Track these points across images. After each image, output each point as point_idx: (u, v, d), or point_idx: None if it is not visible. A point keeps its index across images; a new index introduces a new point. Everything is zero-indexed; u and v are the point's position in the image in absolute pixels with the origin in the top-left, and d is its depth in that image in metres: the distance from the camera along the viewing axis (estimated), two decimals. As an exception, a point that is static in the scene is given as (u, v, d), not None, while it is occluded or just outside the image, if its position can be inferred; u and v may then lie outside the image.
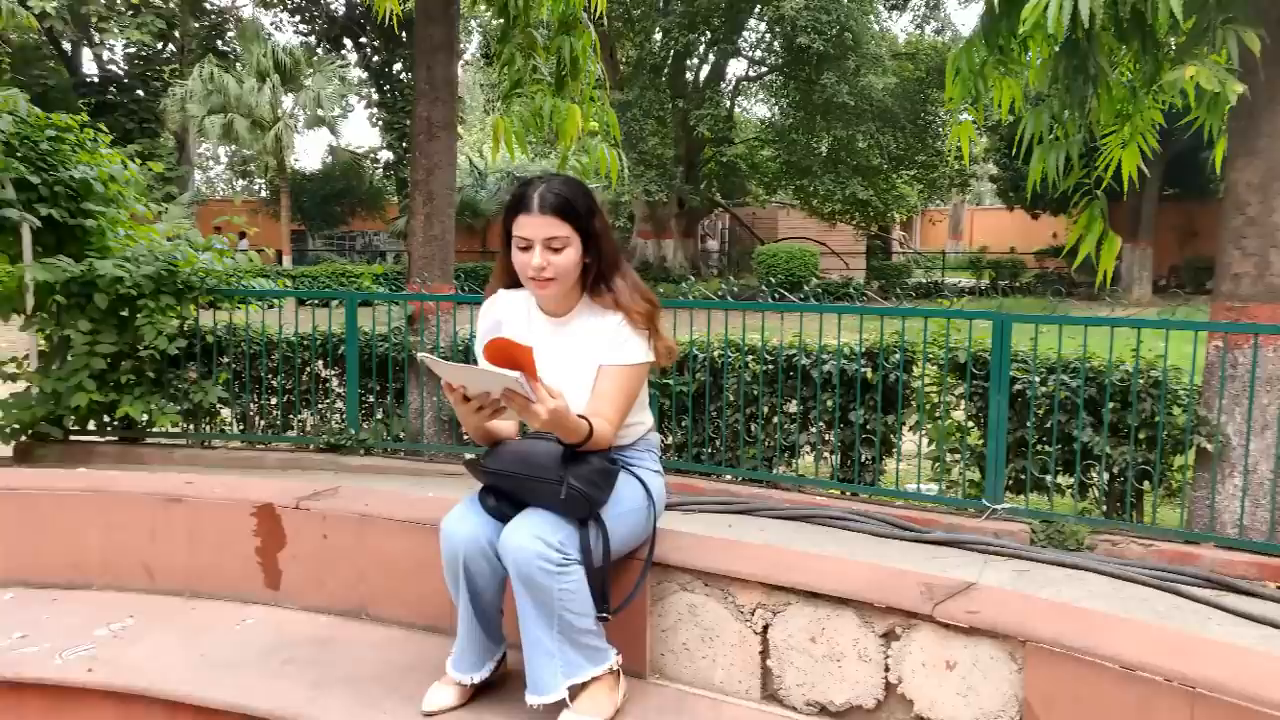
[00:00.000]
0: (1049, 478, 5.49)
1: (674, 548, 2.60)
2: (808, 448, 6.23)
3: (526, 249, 2.41)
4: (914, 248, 32.09)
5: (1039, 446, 5.50)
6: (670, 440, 6.41)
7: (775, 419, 6.14)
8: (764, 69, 24.35)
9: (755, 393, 6.16)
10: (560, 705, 2.34)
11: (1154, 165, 23.09)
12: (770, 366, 6.10)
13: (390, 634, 2.90)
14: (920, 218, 33.45)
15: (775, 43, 22.46)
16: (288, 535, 3.08)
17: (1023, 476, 5.48)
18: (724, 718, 2.44)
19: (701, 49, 23.69)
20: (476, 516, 2.40)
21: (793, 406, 6.13)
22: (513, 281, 2.59)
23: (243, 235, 14.84)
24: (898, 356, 5.75)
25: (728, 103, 25.24)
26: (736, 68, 25.42)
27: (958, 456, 5.73)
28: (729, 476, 6.27)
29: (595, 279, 2.48)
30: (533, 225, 2.39)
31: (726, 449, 6.27)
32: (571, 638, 2.34)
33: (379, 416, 7.13)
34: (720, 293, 7.93)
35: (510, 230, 2.46)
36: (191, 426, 7.07)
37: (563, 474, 2.31)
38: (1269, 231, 5.01)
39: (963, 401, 5.73)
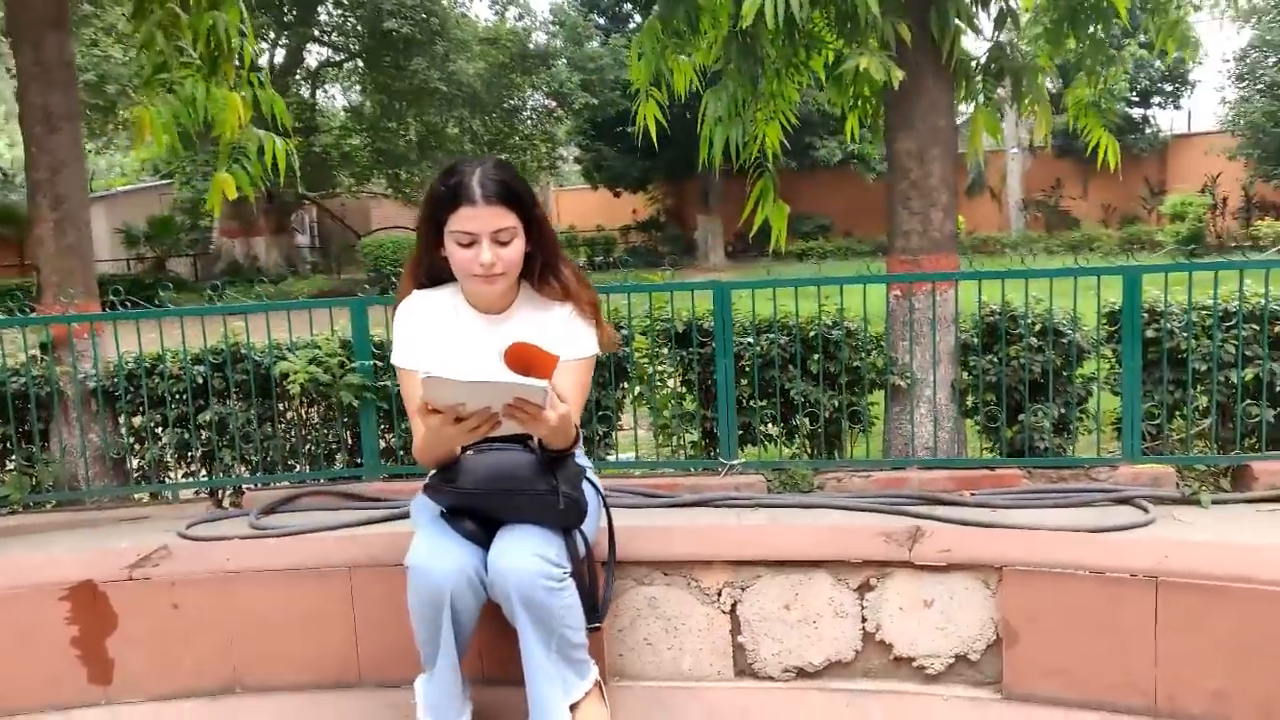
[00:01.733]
0: (772, 429, 5.95)
1: (628, 542, 2.50)
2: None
3: (470, 244, 2.18)
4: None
5: (763, 402, 5.93)
6: (395, 444, 6.07)
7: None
8: (345, 55, 23.43)
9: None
10: None
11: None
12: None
13: (284, 704, 2.50)
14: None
15: (358, 26, 21.66)
16: (118, 614, 2.52)
17: (752, 431, 5.89)
18: (705, 702, 2.42)
19: (271, 34, 22.25)
20: (455, 545, 2.14)
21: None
22: (430, 280, 2.33)
23: None
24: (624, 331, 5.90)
25: (307, 90, 23.99)
26: (317, 53, 24.21)
27: (688, 423, 6.01)
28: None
29: (542, 269, 2.29)
30: (478, 218, 2.15)
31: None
32: (566, 655, 2.19)
33: (14, 465, 5.97)
34: (366, 288, 7.56)
35: (441, 224, 2.20)
36: None
37: (554, 483, 2.13)
38: (927, 193, 5.79)
39: (684, 369, 6.00)
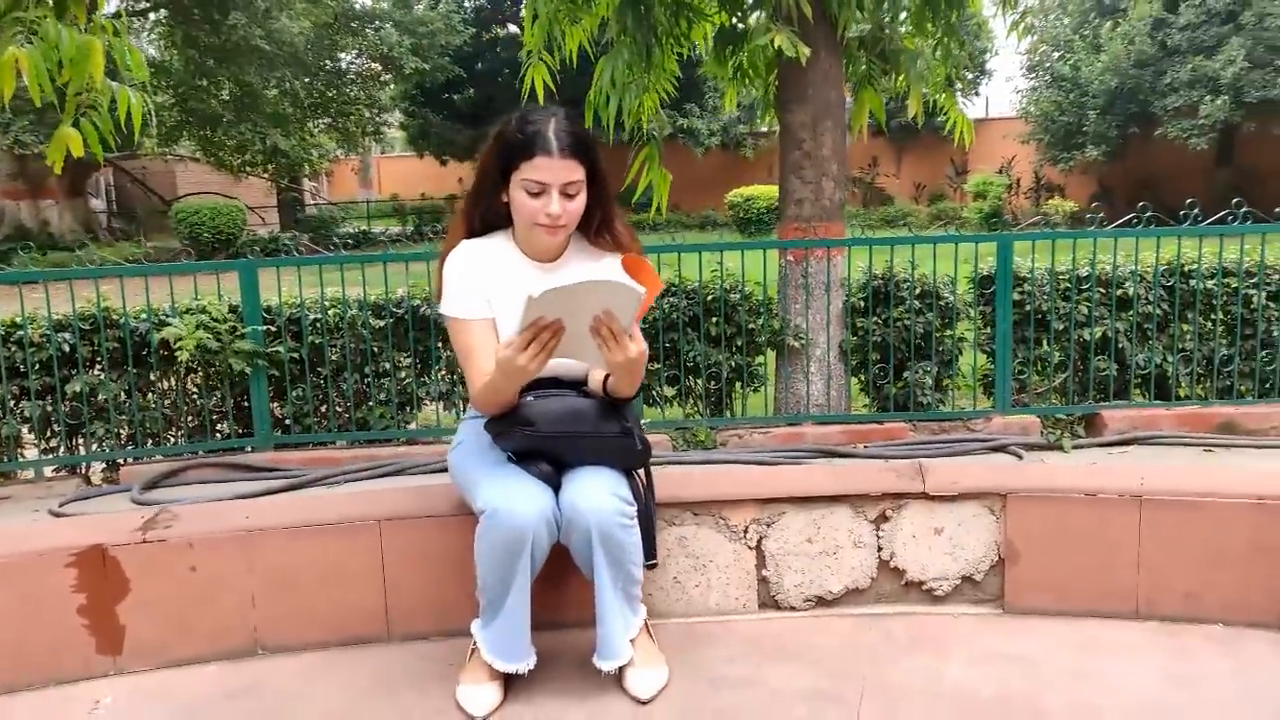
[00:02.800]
0: (668, 390, 6.12)
1: (660, 485, 2.59)
2: (429, 399, 6.15)
3: (540, 194, 2.20)
4: (326, 198, 31.47)
5: (667, 363, 6.09)
6: (285, 412, 5.86)
7: (401, 373, 5.94)
8: (149, 3, 21.77)
9: (375, 349, 5.88)
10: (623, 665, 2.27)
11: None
12: (389, 319, 5.86)
13: (311, 662, 2.46)
14: (332, 167, 32.89)
15: (165, -27, 20.23)
16: (130, 580, 2.40)
17: (655, 392, 6.04)
18: (736, 633, 2.55)
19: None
20: (534, 487, 2.17)
21: (407, 360, 5.98)
22: (483, 228, 2.34)
23: None
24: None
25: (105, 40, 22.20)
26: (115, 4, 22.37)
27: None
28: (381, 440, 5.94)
29: (600, 223, 2.34)
30: (552, 169, 2.18)
31: (350, 412, 5.92)
32: (629, 592, 2.28)
33: None
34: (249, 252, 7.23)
35: (509, 171, 2.22)
36: None
37: (627, 424, 2.21)
38: (820, 163, 6.09)
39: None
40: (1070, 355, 5.83)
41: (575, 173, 2.20)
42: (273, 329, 5.65)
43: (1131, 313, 5.83)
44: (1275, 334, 5.92)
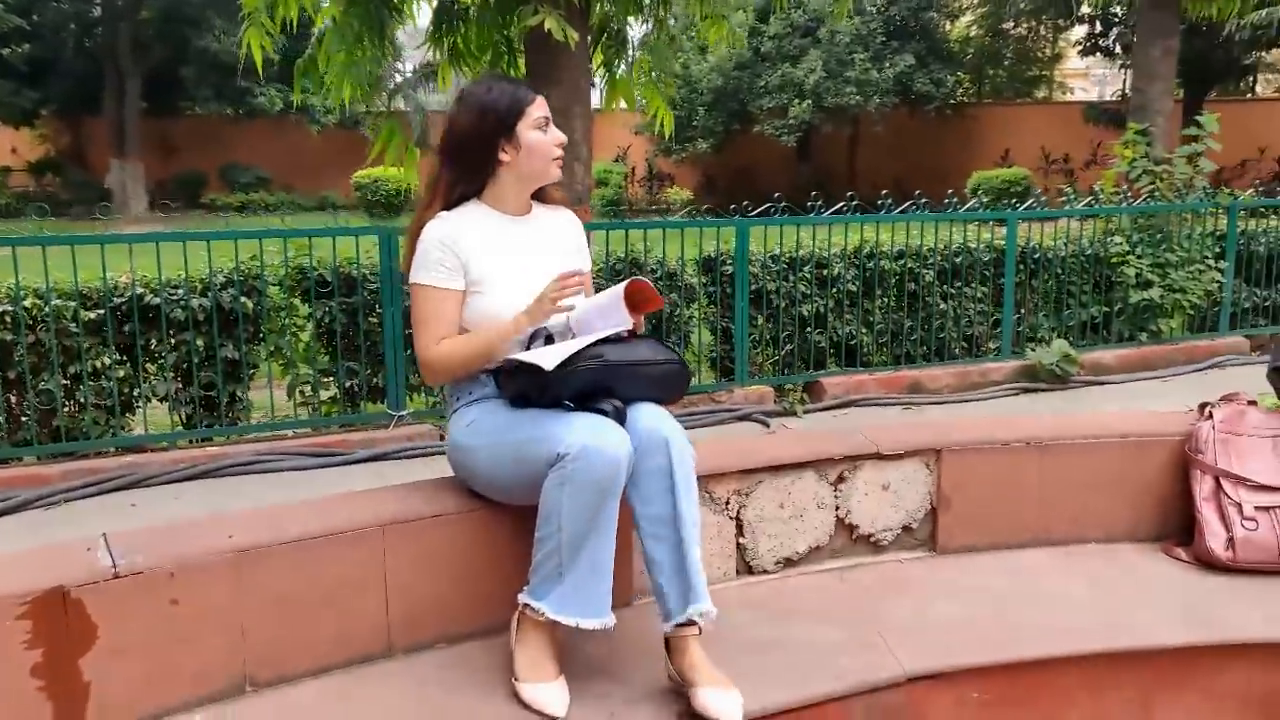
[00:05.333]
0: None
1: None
2: (156, 401, 5.44)
3: (543, 129, 2.37)
4: None
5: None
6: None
7: (122, 373, 5.20)
8: None
9: (82, 346, 5.09)
10: None
11: (131, 80, 22.79)
12: (101, 311, 5.09)
13: (317, 692, 2.19)
14: None
15: None
16: (98, 625, 1.99)
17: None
18: (727, 599, 2.63)
19: None
20: (613, 426, 2.13)
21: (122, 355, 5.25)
22: (455, 204, 2.40)
23: None
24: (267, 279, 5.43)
25: None
26: None
27: (329, 378, 5.72)
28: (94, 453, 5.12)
29: None
30: (543, 105, 2.38)
31: (45, 421, 5.07)
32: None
33: None
34: None
35: (515, 123, 2.34)
36: None
37: (676, 351, 2.28)
38: (572, 147, 6.15)
39: (330, 321, 5.68)
40: (794, 330, 6.48)
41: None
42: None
43: (835, 290, 6.61)
44: (941, 307, 6.97)
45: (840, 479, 2.82)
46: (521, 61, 7.10)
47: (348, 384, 5.73)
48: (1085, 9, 20.54)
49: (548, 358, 2.12)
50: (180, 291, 5.27)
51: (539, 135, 2.35)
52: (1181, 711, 2.51)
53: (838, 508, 2.83)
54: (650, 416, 2.20)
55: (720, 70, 20.55)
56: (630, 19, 6.64)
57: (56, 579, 1.95)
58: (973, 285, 7.02)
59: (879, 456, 2.83)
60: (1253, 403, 2.99)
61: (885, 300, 6.81)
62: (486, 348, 2.29)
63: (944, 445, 2.87)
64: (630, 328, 2.26)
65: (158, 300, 5.23)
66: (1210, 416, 2.93)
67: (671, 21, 6.99)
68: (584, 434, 2.08)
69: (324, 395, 5.80)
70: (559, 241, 2.46)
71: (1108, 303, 7.36)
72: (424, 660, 2.32)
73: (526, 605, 2.17)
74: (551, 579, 2.14)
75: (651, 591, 2.21)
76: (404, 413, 5.71)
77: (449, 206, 2.39)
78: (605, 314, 2.24)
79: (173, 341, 5.26)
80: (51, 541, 2.17)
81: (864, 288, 6.68)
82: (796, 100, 19.95)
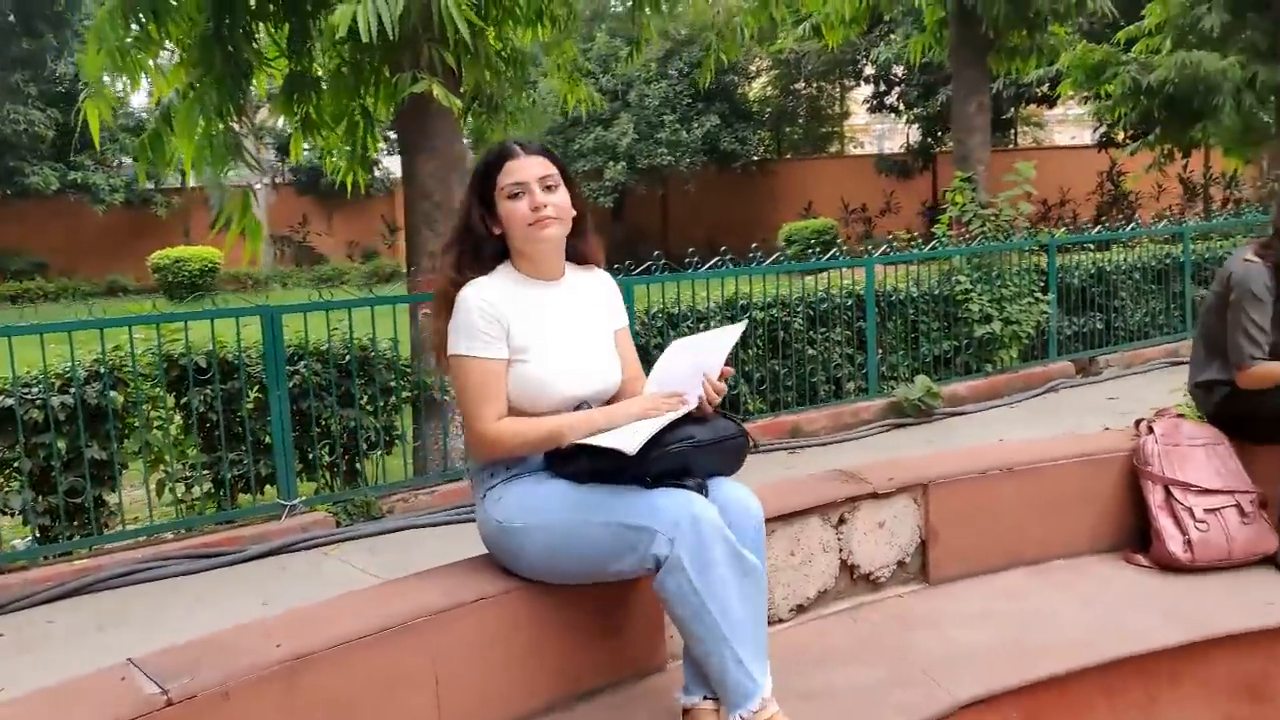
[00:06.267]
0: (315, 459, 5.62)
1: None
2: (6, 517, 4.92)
3: (518, 195, 2.24)
4: None
5: (314, 433, 5.57)
6: None
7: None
8: None
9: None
10: None
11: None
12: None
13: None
14: None
15: None
16: (150, 764, 1.77)
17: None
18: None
19: None
20: (705, 501, 2.11)
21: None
22: (478, 268, 2.30)
23: None
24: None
25: None
26: None
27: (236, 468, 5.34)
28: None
29: (579, 234, 2.39)
30: (525, 167, 2.25)
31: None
32: None
33: None
34: None
35: (492, 189, 2.26)
36: None
37: (740, 424, 2.26)
38: (452, 214, 6.07)
39: (201, 410, 5.30)
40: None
41: (548, 167, 2.28)
42: None
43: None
44: (810, 352, 7.26)
45: (841, 520, 2.88)
46: (376, 131, 6.98)
47: (231, 475, 5.36)
48: (869, 70, 22.14)
49: (626, 440, 2.07)
50: (36, 389, 4.81)
51: (510, 206, 2.24)
52: (1182, 704, 2.69)
53: (840, 549, 2.88)
54: (733, 488, 2.22)
55: (535, 137, 20.79)
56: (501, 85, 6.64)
57: (112, 713, 1.72)
58: (837, 329, 7.35)
59: (875, 496, 2.91)
60: (1181, 415, 3.28)
61: (759, 349, 7.03)
62: (557, 435, 2.19)
63: (930, 479, 2.99)
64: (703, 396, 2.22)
65: (9, 401, 4.75)
66: (1151, 431, 3.18)
67: (539, 84, 7.05)
68: (683, 508, 2.05)
69: (199, 491, 5.40)
70: (593, 304, 2.40)
71: (954, 337, 7.87)
72: (482, 754, 2.19)
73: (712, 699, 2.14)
74: (724, 655, 2.05)
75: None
76: (296, 501, 5.39)
77: (472, 273, 2.29)
78: (683, 381, 2.21)
79: (26, 445, 4.77)
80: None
81: (740, 339, 6.86)
82: (611, 162, 20.41)
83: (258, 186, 21.70)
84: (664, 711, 2.29)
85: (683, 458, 2.12)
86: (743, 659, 2.04)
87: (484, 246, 2.31)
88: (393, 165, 24.85)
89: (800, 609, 2.81)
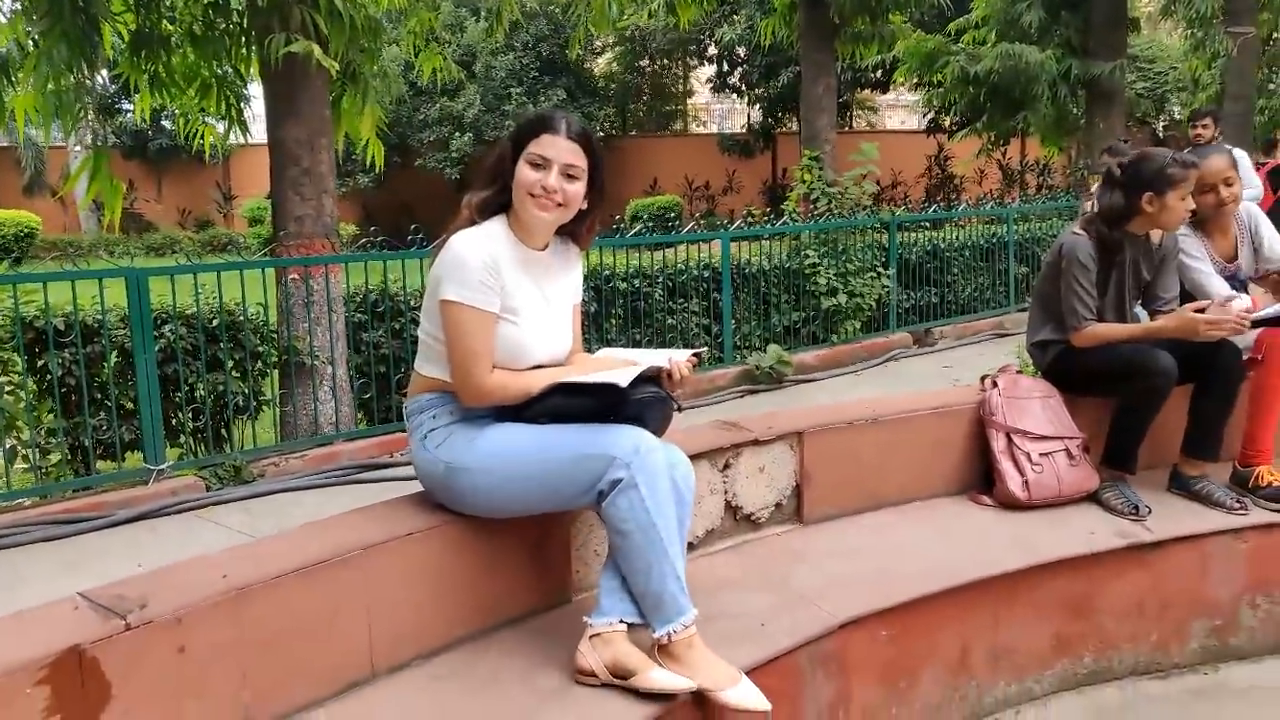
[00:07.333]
0: (189, 424, 5.51)
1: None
2: None
3: (540, 167, 2.34)
4: None
5: (179, 397, 5.45)
6: None
7: None
8: None
9: None
10: None
11: None
12: None
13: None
14: None
15: None
16: (112, 684, 1.84)
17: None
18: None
19: None
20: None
21: None
22: (486, 215, 2.41)
23: None
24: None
25: None
26: None
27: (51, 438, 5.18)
28: None
29: (589, 227, 2.55)
30: (556, 146, 2.35)
31: None
32: None
33: None
34: None
35: (522, 146, 2.36)
36: None
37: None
38: (319, 179, 6.02)
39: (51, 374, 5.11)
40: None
41: (579, 158, 2.38)
42: None
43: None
44: (669, 322, 7.54)
45: (727, 465, 3.13)
46: (243, 92, 6.81)
47: (93, 441, 5.20)
48: (713, 50, 22.64)
49: (620, 378, 2.27)
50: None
51: (525, 170, 2.34)
52: (1018, 621, 3.08)
53: (726, 492, 3.14)
54: (673, 447, 2.46)
55: (385, 106, 20.32)
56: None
57: (70, 638, 1.79)
58: (694, 300, 7.66)
59: (756, 442, 3.18)
60: (1020, 372, 3.69)
61: (620, 319, 7.26)
62: (536, 387, 2.35)
63: (805, 428, 3.28)
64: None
65: None
66: (995, 385, 3.58)
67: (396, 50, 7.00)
68: (635, 439, 2.26)
69: (56, 457, 5.22)
70: (564, 275, 2.55)
71: (803, 309, 8.33)
72: (411, 679, 2.33)
73: (626, 624, 2.30)
74: (639, 578, 2.27)
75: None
76: (164, 465, 5.28)
77: (478, 220, 2.39)
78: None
79: None
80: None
81: (604, 308, 7.09)
82: (457, 134, 20.19)
83: (76, 150, 20.35)
84: (576, 635, 2.46)
85: (642, 406, 2.33)
86: (680, 577, 2.27)
87: (504, 195, 2.41)
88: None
89: (691, 546, 3.05)
